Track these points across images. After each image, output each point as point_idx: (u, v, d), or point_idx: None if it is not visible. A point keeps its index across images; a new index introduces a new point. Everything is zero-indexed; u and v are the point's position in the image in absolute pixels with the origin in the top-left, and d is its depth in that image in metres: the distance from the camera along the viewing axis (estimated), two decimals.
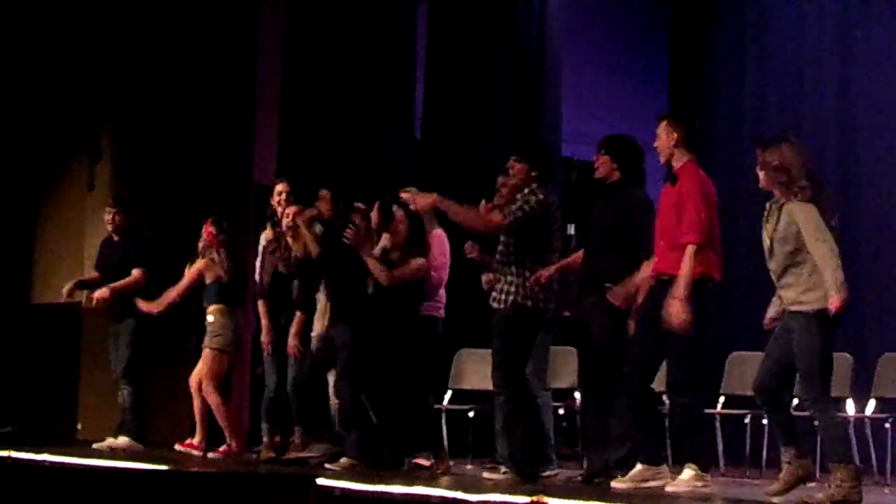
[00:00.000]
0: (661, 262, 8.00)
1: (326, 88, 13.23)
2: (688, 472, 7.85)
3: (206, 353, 10.82)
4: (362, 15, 13.39)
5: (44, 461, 9.84)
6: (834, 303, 7.30)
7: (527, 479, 8.34)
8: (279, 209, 10.48)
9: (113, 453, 10.87)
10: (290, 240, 10.28)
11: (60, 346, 13.35)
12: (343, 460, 9.49)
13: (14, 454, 10.25)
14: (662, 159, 8.13)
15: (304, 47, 13.35)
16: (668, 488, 7.81)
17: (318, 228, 9.95)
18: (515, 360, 8.53)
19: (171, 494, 5.07)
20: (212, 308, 10.85)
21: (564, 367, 10.54)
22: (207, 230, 10.88)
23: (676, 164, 8.10)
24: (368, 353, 9.52)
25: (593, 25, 14.95)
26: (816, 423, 7.51)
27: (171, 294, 11.01)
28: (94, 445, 11.37)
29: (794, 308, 7.47)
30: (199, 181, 12.63)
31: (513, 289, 8.50)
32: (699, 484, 7.80)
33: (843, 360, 10.37)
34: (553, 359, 9.74)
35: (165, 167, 12.94)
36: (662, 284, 7.95)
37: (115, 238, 11.67)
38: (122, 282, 11.43)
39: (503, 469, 8.62)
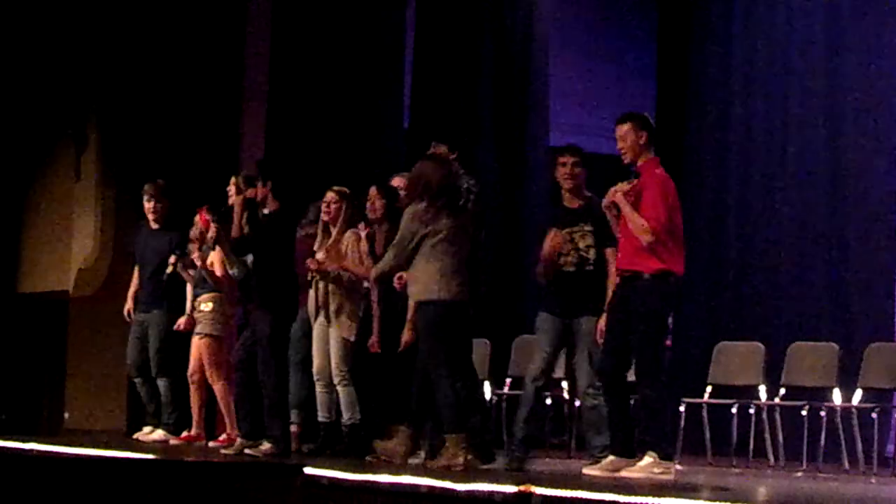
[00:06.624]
0: (625, 259, 8.03)
1: (314, 78, 13.21)
2: (647, 459, 7.85)
3: (205, 341, 10.62)
4: (351, 4, 13.38)
5: (31, 450, 9.81)
6: None
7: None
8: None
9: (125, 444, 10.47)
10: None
11: (47, 335, 13.34)
12: (265, 445, 9.35)
13: (1, 443, 10.23)
14: (628, 159, 8.10)
15: (292, 37, 13.33)
16: (624, 473, 7.82)
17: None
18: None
19: (157, 484, 5.06)
20: (208, 297, 10.72)
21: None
22: (203, 219, 10.57)
23: (640, 162, 8.10)
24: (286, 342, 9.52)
25: (581, 15, 14.95)
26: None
27: None
28: (135, 436, 11.04)
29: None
30: (186, 171, 12.59)
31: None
32: (657, 471, 7.77)
33: (829, 350, 10.40)
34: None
35: (152, 156, 12.91)
36: (626, 281, 7.99)
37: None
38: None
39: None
